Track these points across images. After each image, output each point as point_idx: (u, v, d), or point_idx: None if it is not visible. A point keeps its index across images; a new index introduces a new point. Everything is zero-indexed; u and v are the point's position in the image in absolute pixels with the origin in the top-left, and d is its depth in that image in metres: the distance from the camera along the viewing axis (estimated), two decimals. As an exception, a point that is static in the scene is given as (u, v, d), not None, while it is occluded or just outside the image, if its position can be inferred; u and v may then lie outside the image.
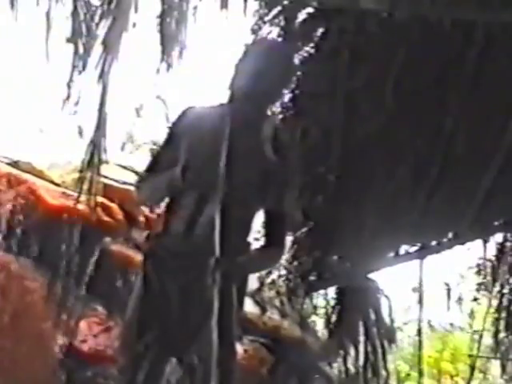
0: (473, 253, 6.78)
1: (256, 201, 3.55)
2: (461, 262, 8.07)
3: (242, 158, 3.38)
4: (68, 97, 5.00)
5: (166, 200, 3.69)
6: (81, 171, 5.25)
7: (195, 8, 5.31)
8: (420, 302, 6.91)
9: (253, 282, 7.08)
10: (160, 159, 3.74)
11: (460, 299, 9.70)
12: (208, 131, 3.48)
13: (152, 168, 3.78)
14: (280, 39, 3.85)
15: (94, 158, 5.10)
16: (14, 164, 6.10)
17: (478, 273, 6.83)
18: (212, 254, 3.28)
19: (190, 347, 3.47)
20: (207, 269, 3.29)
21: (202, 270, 3.30)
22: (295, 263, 6.73)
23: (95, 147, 5.07)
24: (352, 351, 7.01)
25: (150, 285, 3.52)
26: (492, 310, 6.89)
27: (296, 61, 5.67)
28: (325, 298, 7.18)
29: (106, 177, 5.76)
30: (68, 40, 4.91)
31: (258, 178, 3.46)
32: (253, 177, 3.45)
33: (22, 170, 6.03)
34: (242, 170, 3.38)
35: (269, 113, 3.85)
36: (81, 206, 5.40)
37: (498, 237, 6.51)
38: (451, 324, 12.63)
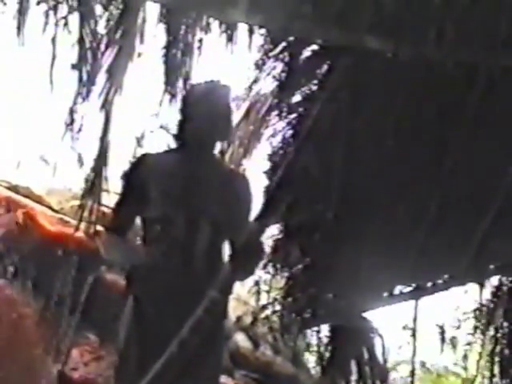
0: (470, 296, 6.77)
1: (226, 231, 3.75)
2: (458, 306, 8.05)
3: (209, 194, 3.65)
4: (71, 123, 5.02)
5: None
6: (81, 199, 5.26)
7: (200, 40, 5.35)
8: (413, 342, 6.88)
9: (247, 316, 7.06)
10: (118, 215, 3.82)
11: (453, 342, 9.66)
12: (173, 174, 3.68)
13: (111, 225, 3.85)
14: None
15: (94, 186, 5.11)
16: (13, 188, 6.11)
17: (474, 316, 6.80)
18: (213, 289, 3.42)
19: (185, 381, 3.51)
20: (211, 305, 3.40)
21: (203, 306, 3.39)
22: (290, 299, 6.70)
23: (96, 175, 5.09)
24: (344, 389, 6.97)
25: (147, 322, 3.55)
26: (486, 353, 6.85)
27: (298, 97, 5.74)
28: (317, 335, 7.15)
29: (105, 205, 5.76)
30: (73, 66, 4.94)
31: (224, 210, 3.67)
32: (222, 209, 3.66)
33: (20, 194, 6.03)
34: (213, 203, 3.64)
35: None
36: (78, 233, 5.41)
37: (494, 280, 6.50)
38: (445, 367, 12.55)
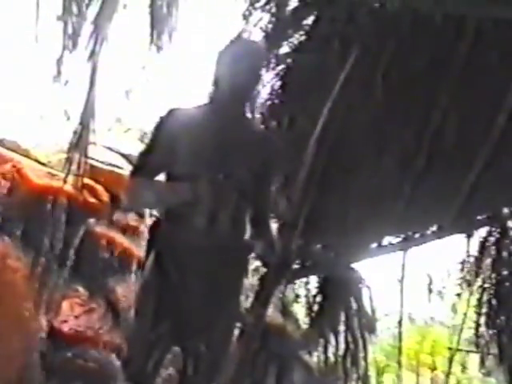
0: (459, 247, 6.79)
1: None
2: (447, 257, 8.08)
3: (237, 154, 3.69)
4: (58, 74, 4.97)
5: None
6: (68, 152, 5.24)
7: (187, -9, 5.31)
8: (401, 293, 6.92)
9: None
10: (146, 161, 3.77)
11: (441, 293, 9.73)
12: (201, 131, 3.66)
13: (139, 170, 3.79)
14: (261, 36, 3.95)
15: (81, 139, 5.09)
16: (-1, 142, 6.08)
17: (462, 267, 6.83)
18: (235, 249, 3.65)
19: (199, 337, 3.59)
20: (232, 263, 3.63)
21: (226, 265, 3.59)
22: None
23: (83, 128, 5.06)
24: (332, 340, 7.02)
25: (167, 277, 3.58)
26: (473, 304, 6.90)
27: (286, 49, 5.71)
28: (306, 286, 7.18)
29: (92, 158, 5.75)
30: (58, 18, 4.89)
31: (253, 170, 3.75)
32: (248, 172, 3.72)
33: (7, 148, 6.01)
34: (240, 164, 3.69)
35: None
36: (66, 187, 5.40)
37: (482, 231, 6.52)
38: (432, 318, 12.68)
